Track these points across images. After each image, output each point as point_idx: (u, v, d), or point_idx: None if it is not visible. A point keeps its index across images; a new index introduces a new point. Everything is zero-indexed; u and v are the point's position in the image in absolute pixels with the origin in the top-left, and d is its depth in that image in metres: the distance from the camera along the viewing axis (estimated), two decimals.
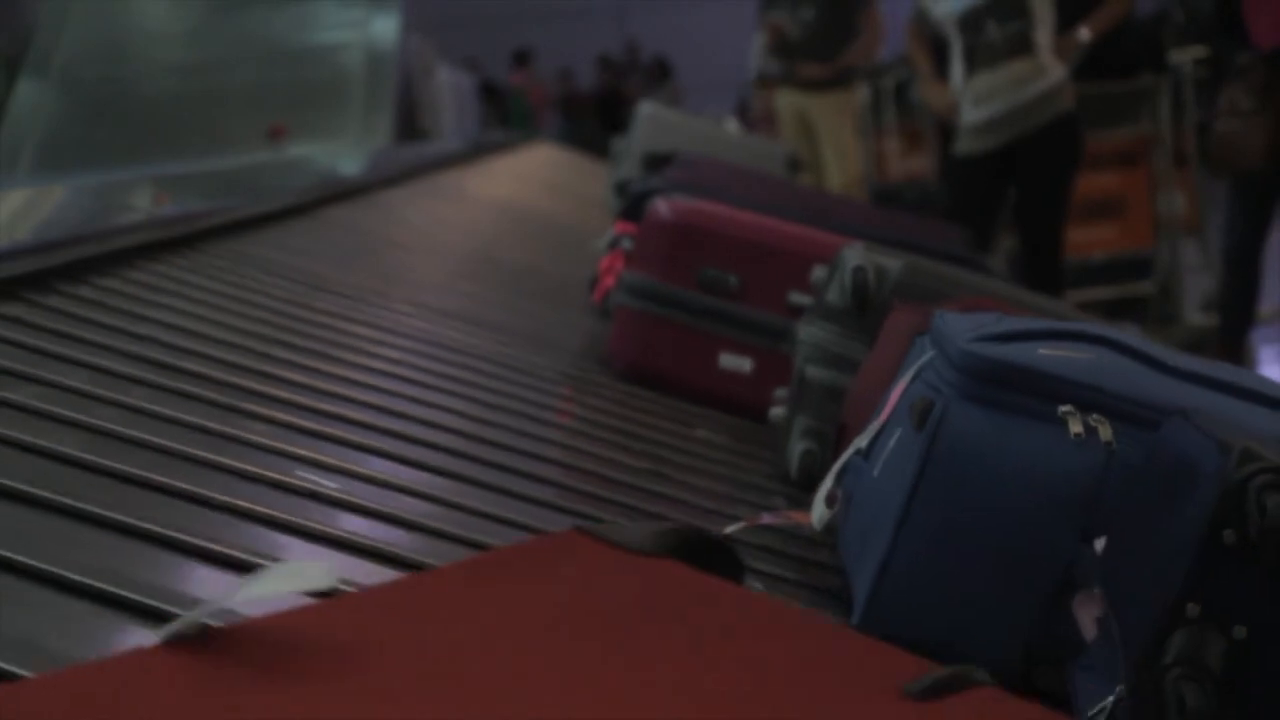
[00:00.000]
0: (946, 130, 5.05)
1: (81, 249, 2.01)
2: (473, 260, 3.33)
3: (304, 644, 0.69)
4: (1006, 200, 4.80)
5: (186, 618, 0.65)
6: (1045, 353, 1.14)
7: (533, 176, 6.15)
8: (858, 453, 1.27)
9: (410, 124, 6.97)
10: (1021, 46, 4.47)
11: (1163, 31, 6.28)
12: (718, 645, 0.78)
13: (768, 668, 0.75)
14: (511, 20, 15.62)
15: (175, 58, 6.94)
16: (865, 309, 1.77)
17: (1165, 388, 1.12)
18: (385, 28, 6.81)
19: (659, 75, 14.25)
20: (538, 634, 0.76)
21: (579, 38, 15.13)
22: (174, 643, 0.65)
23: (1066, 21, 4.59)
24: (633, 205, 2.50)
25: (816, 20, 5.94)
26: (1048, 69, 4.50)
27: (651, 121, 4.43)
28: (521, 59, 14.76)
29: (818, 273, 1.91)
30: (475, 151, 6.30)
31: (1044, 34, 4.50)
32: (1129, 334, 1.25)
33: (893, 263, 1.79)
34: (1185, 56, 6.19)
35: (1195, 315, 5.97)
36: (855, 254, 1.79)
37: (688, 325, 2.21)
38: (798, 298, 2.08)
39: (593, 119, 13.46)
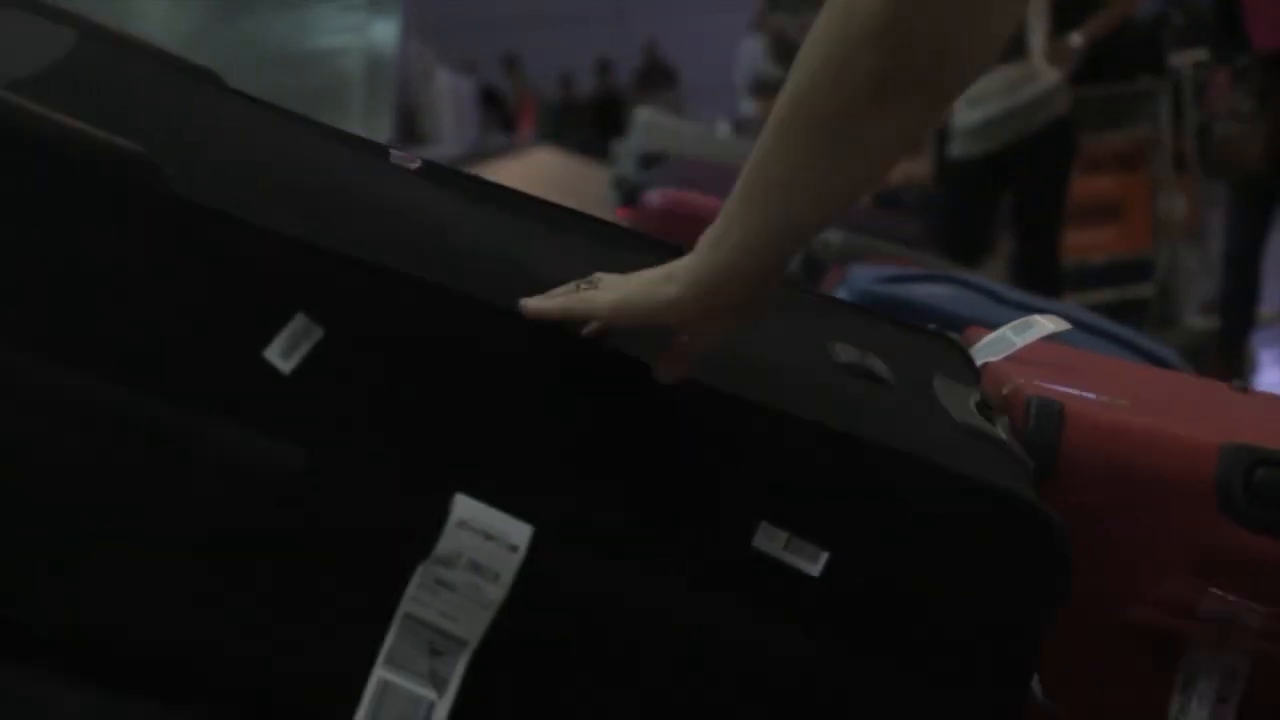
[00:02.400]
0: (943, 133, 5.06)
1: None
2: None
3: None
4: (1003, 203, 4.80)
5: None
6: (917, 289, 1.69)
7: (536, 179, 6.16)
8: None
9: (410, 128, 6.97)
10: (1013, 50, 4.47)
11: (1162, 34, 6.27)
12: None
13: None
14: (510, 24, 15.62)
15: None
16: (814, 270, 2.23)
17: (1000, 313, 1.50)
18: (385, 32, 6.81)
19: (660, 80, 14.23)
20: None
21: (578, 42, 15.14)
22: None
23: (1064, 25, 4.59)
24: (630, 195, 2.99)
25: None
26: (1040, 73, 4.50)
27: (649, 127, 5.02)
28: (511, 62, 14.74)
29: None
30: (479, 156, 6.31)
31: (1037, 37, 4.51)
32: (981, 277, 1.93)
33: (835, 235, 2.31)
34: (1185, 59, 6.19)
35: (1195, 318, 5.97)
36: None
37: None
38: None
39: (588, 125, 13.42)
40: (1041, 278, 4.42)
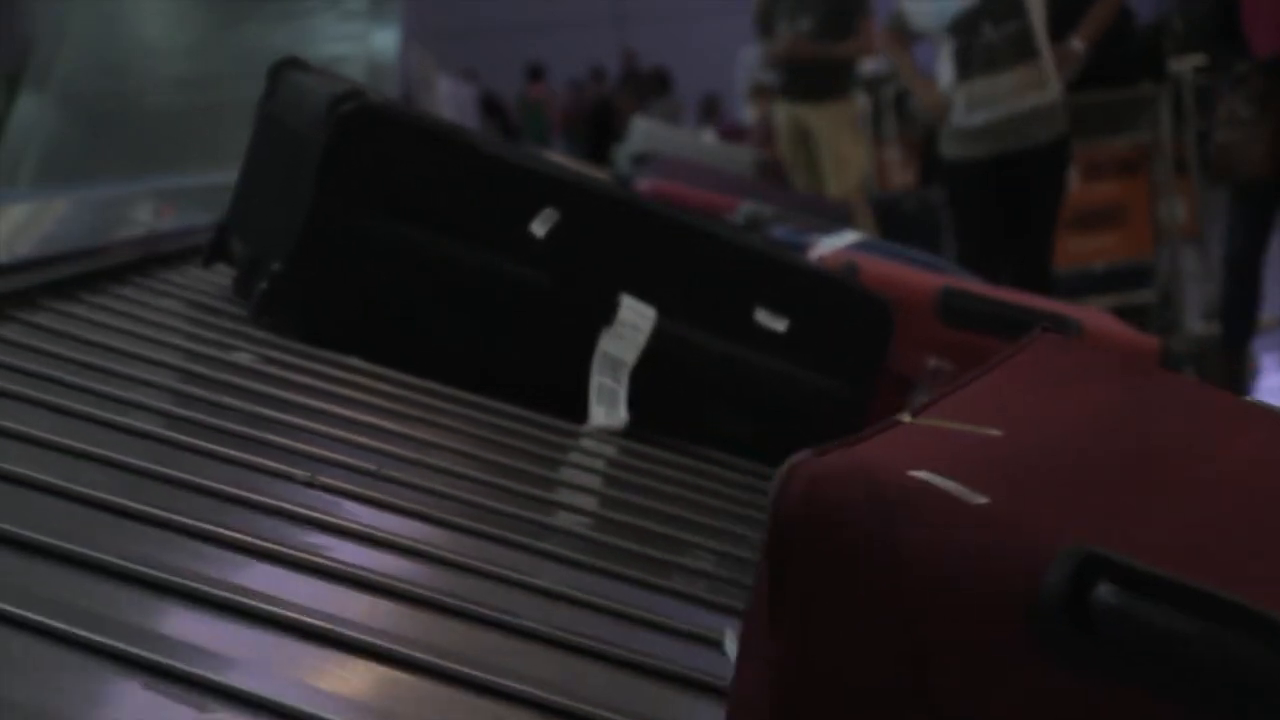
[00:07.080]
0: (929, 136, 5.04)
1: (82, 264, 2.00)
2: None
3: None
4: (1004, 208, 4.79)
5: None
6: (811, 235, 2.62)
7: None
8: None
9: None
10: (1023, 49, 4.47)
11: (1162, 40, 6.28)
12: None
13: None
14: (510, 31, 15.63)
15: (176, 71, 6.94)
16: (754, 229, 3.07)
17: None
18: (386, 40, 6.82)
19: (658, 87, 14.21)
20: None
21: (578, 49, 15.14)
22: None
23: (1058, 26, 4.58)
24: (625, 186, 3.70)
25: (814, 30, 5.93)
26: (1049, 81, 4.50)
27: (645, 133, 6.58)
28: (536, 73, 14.76)
29: (732, 218, 3.41)
30: None
31: (1039, 33, 4.51)
32: None
33: (768, 209, 3.39)
34: (1185, 65, 6.19)
35: (1197, 323, 5.97)
36: (750, 205, 3.41)
37: None
38: None
39: (589, 132, 13.39)
40: (1034, 282, 4.41)
